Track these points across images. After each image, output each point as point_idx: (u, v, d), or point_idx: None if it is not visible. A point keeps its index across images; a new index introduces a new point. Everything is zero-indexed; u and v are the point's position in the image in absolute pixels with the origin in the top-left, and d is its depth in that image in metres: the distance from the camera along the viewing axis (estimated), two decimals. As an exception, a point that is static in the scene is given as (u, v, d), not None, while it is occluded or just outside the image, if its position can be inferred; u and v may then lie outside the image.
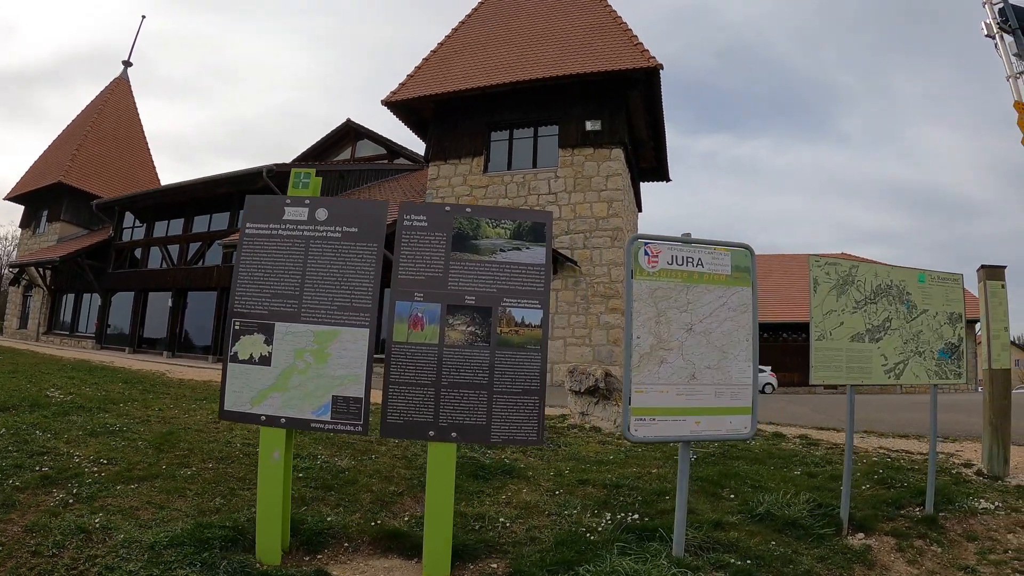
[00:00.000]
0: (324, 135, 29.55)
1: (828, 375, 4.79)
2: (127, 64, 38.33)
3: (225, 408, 3.96)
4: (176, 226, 26.65)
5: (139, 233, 28.38)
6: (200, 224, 25.54)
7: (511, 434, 3.73)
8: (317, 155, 29.52)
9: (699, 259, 4.02)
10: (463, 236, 3.89)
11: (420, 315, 3.80)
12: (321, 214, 4.09)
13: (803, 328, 31.92)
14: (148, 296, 26.81)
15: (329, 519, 4.35)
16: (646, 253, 3.94)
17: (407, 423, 3.74)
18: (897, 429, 9.22)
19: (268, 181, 20.31)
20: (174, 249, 26.30)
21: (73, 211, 33.27)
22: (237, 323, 4.02)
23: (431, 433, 3.72)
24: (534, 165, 17.04)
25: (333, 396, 3.85)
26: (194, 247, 25.45)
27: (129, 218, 28.83)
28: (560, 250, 15.60)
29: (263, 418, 3.88)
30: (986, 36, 7.39)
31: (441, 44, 19.59)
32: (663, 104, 17.60)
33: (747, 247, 4.17)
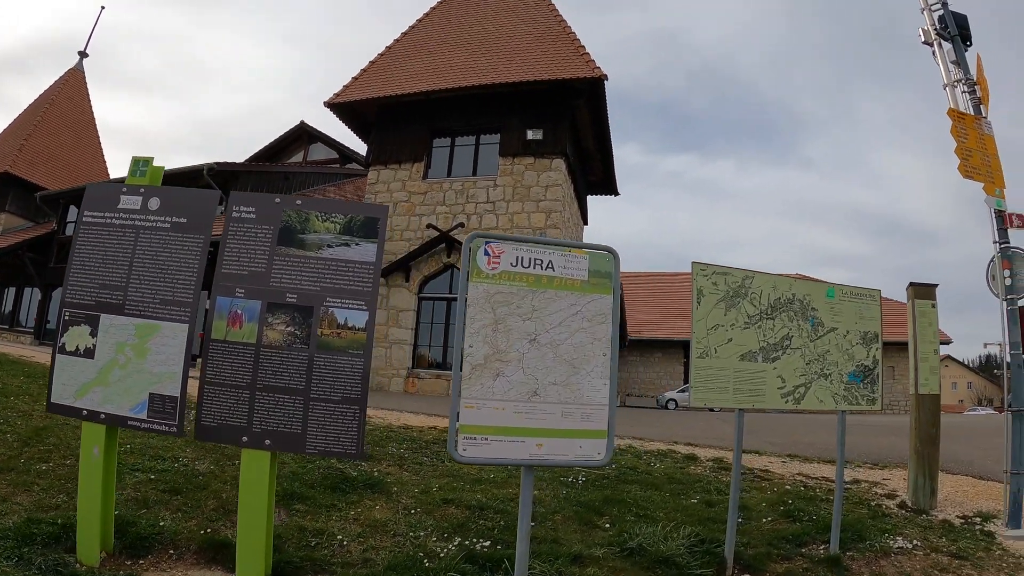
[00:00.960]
0: (278, 136, 29.13)
1: (712, 397, 4.43)
2: (83, 55, 37.48)
3: (52, 400, 3.79)
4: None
5: (82, 227, 27.70)
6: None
7: (327, 445, 3.49)
8: (270, 156, 29.00)
9: (549, 261, 3.66)
10: (290, 230, 3.67)
11: (240, 312, 3.56)
12: (153, 203, 3.92)
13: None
14: (87, 292, 26.15)
15: (163, 524, 4.12)
16: (486, 253, 3.62)
17: (221, 426, 3.52)
18: (826, 453, 8.82)
19: (209, 180, 19.91)
20: (116, 245, 25.64)
21: (19, 203, 32.27)
22: (67, 313, 3.85)
23: (244, 439, 3.49)
24: (474, 173, 16.85)
25: (150, 394, 3.67)
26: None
27: (73, 212, 28.13)
28: (495, 260, 15.29)
29: (84, 412, 3.72)
30: (923, 43, 7.23)
31: (389, 47, 19.39)
32: (608, 116, 17.58)
33: (610, 250, 3.80)
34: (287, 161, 28.26)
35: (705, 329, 4.43)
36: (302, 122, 28.34)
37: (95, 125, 37.05)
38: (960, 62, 7.07)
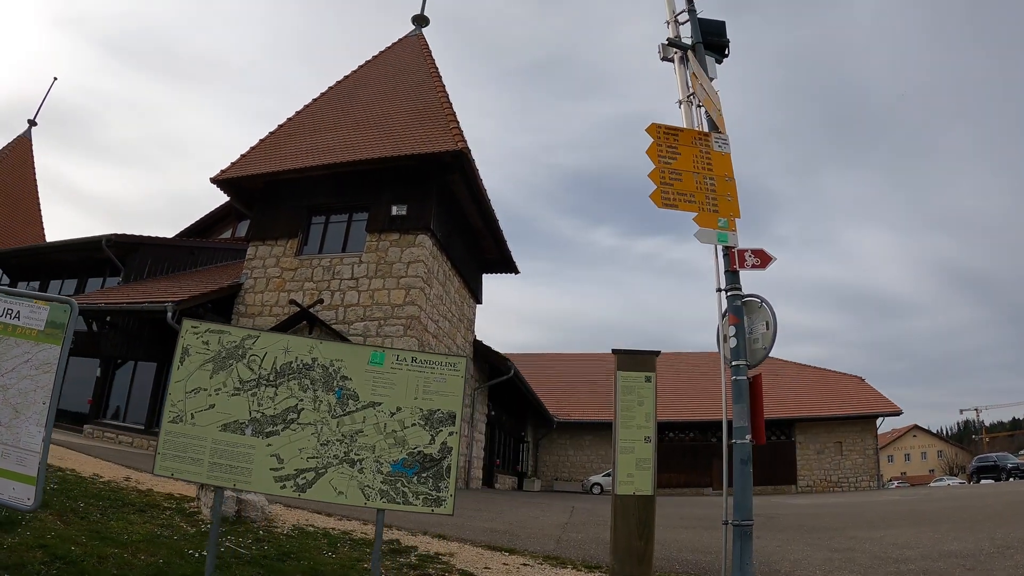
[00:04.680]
0: (207, 212, 29.33)
1: (182, 468, 4.03)
2: (32, 123, 37.98)
3: None
4: (36, 289, 25.95)
5: (-1, 294, 27.54)
6: (54, 288, 24.89)
7: None
8: (200, 232, 29.15)
9: (17, 311, 3.90)
10: None
11: None
12: None
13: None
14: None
15: None
16: (-31, 304, 3.86)
17: None
18: (564, 551, 7.30)
19: (108, 251, 20.07)
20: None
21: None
22: None
23: None
24: (344, 249, 16.93)
25: None
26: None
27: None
28: (352, 337, 15.31)
29: None
30: (663, 59, 6.60)
31: (281, 126, 19.77)
32: (485, 189, 17.97)
33: (68, 302, 3.97)
34: (217, 238, 28.33)
35: (183, 392, 4.15)
36: (231, 199, 28.58)
37: (36, 190, 37.28)
38: (703, 69, 6.27)
